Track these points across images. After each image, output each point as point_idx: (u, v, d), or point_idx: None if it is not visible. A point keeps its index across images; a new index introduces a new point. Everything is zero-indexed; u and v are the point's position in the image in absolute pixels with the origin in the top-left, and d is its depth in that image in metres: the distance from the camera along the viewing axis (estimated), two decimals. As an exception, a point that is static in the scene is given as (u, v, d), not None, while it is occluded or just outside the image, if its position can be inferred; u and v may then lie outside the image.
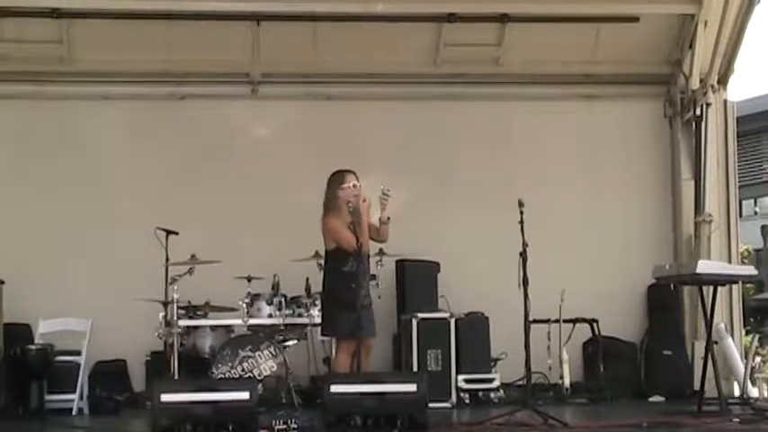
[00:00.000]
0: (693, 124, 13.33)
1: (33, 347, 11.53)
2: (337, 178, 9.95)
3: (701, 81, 13.30)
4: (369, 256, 10.03)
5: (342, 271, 9.75)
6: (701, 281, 10.30)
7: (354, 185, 9.90)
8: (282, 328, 11.61)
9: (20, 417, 11.08)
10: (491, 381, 12.03)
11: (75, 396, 11.55)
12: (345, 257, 9.77)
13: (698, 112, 13.21)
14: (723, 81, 13.57)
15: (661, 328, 13.25)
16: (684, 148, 13.54)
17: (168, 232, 11.59)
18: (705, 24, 13.11)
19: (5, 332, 11.59)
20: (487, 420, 9.37)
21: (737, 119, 13.79)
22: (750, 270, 10.57)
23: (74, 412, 11.47)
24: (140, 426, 9.56)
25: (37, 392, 11.32)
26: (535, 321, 10.18)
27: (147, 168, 13.11)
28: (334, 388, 8.73)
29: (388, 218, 9.82)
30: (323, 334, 10.63)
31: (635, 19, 13.31)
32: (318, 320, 10.90)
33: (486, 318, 12.22)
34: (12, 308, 11.71)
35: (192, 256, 11.41)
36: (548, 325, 12.05)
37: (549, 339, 12.13)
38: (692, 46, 13.28)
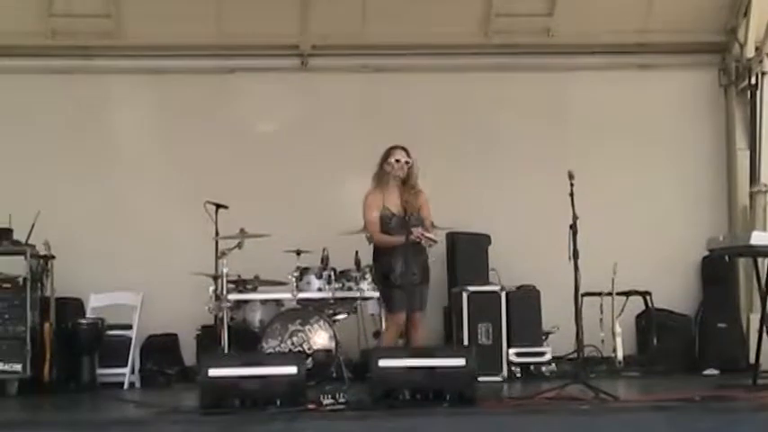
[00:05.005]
0: (748, 93, 13.22)
1: (85, 322, 11.60)
2: (384, 153, 9.97)
3: (756, 49, 13.16)
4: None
5: (376, 246, 9.76)
6: (755, 252, 10.13)
7: (398, 161, 9.87)
8: (332, 301, 11.56)
9: (72, 391, 11.16)
10: (542, 354, 11.99)
11: (126, 370, 11.61)
12: None
13: (753, 80, 13.11)
14: (778, 50, 13.39)
15: (715, 301, 13.12)
16: (739, 118, 13.40)
17: (218, 206, 11.66)
18: (760, -8, 12.95)
19: (57, 307, 11.63)
20: (537, 395, 9.28)
21: (793, 88, 13.61)
22: (806, 241, 10.42)
23: (125, 386, 11.54)
24: (191, 399, 9.52)
25: (88, 366, 11.39)
26: (587, 294, 10.09)
27: (197, 142, 13.10)
28: (382, 362, 8.63)
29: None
30: None
31: (688, -14, 13.15)
32: (368, 294, 11.15)
33: (538, 291, 12.17)
34: (63, 282, 11.73)
35: (242, 230, 11.37)
36: (600, 298, 11.99)
37: (602, 312, 12.08)
38: (746, 14, 13.15)
